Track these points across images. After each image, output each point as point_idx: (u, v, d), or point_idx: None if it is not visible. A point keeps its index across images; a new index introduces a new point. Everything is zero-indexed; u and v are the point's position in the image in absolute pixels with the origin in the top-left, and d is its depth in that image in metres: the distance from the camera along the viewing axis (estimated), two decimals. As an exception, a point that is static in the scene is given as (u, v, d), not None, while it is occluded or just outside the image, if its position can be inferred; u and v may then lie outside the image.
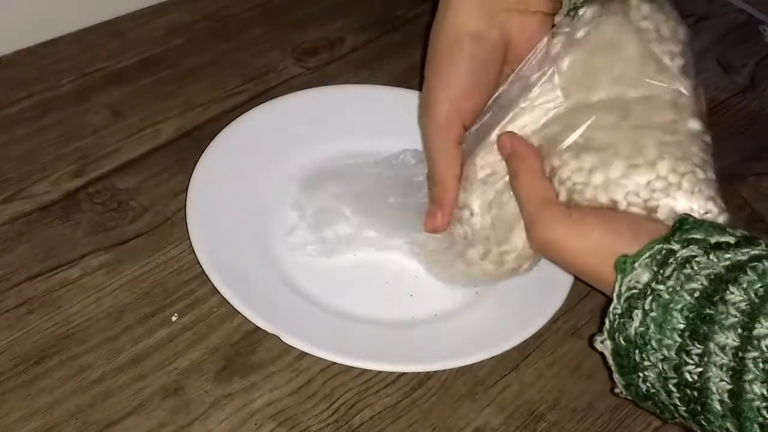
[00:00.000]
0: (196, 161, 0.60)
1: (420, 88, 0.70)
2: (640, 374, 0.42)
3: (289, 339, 0.52)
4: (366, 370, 0.54)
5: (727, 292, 0.39)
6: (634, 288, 0.42)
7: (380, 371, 0.54)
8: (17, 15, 0.69)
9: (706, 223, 0.43)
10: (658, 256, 0.42)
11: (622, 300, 0.42)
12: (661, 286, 0.41)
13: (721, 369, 0.39)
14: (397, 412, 0.53)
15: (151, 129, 0.66)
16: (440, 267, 0.57)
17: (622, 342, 0.42)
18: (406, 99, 0.68)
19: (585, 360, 0.57)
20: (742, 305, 0.39)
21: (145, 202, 0.61)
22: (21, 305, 0.54)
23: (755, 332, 0.38)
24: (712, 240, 0.42)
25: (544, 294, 0.57)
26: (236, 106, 0.68)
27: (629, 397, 0.45)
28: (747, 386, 0.38)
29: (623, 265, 0.42)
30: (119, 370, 0.52)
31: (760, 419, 0.38)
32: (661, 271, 0.41)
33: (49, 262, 0.56)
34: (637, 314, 0.42)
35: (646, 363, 0.42)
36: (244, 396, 0.52)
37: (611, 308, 0.43)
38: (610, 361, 0.44)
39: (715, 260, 0.41)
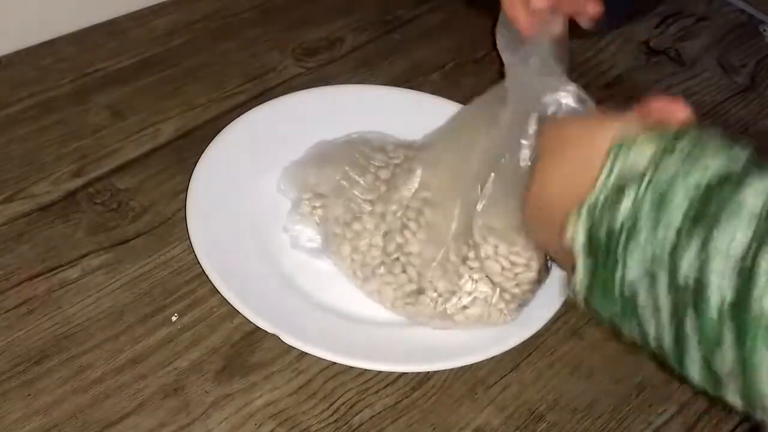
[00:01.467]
0: (196, 161, 0.60)
1: (420, 89, 0.70)
2: (619, 267, 0.37)
3: (289, 339, 0.52)
4: (366, 370, 0.54)
5: (746, 178, 0.35)
6: (632, 165, 0.37)
7: (380, 371, 0.54)
8: (17, 15, 0.69)
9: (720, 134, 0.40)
10: (665, 137, 0.38)
11: (613, 176, 0.37)
12: (667, 157, 0.36)
13: (723, 275, 0.34)
14: (397, 412, 0.53)
15: (151, 129, 0.66)
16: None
17: (604, 224, 0.37)
18: (406, 99, 0.68)
19: (585, 360, 0.57)
20: (757, 209, 0.34)
21: (145, 202, 0.61)
22: (21, 305, 0.54)
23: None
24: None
25: (544, 294, 0.57)
26: (236, 106, 0.68)
27: (582, 296, 0.39)
28: (755, 292, 0.33)
29: (619, 147, 0.38)
30: (119, 370, 0.52)
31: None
32: (669, 146, 0.37)
33: (49, 262, 0.56)
34: (630, 192, 0.36)
35: (634, 248, 0.36)
36: (244, 396, 0.52)
37: (598, 183, 0.37)
38: (580, 252, 0.38)
39: (729, 154, 0.37)
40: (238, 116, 0.64)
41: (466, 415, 0.53)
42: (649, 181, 0.36)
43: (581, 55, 0.80)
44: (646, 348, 0.39)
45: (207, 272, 0.54)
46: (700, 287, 0.35)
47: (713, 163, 0.36)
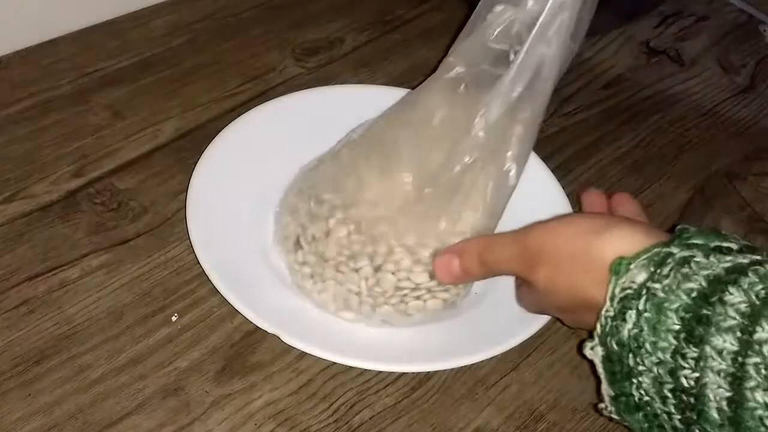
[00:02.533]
0: (196, 161, 0.60)
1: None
2: (634, 381, 0.40)
3: (289, 339, 0.52)
4: (366, 370, 0.54)
5: (726, 293, 0.37)
6: (629, 288, 0.40)
7: (380, 371, 0.54)
8: (17, 15, 0.69)
9: (708, 230, 0.42)
10: (656, 258, 0.40)
11: (615, 302, 0.40)
12: (656, 285, 0.39)
13: (719, 375, 0.37)
14: (397, 412, 0.53)
15: (151, 129, 0.66)
16: None
17: (615, 346, 0.40)
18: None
19: (585, 360, 0.57)
20: (742, 307, 0.37)
21: (145, 202, 0.61)
22: (21, 305, 0.54)
23: (756, 336, 0.36)
24: (713, 244, 0.41)
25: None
26: (236, 106, 0.68)
27: (613, 414, 0.43)
28: (748, 394, 0.36)
29: (618, 267, 0.41)
30: (119, 370, 0.52)
31: (762, 429, 0.36)
32: (658, 271, 0.40)
33: (49, 262, 0.56)
34: (631, 315, 0.40)
35: (641, 368, 0.40)
36: (244, 396, 0.52)
37: (603, 311, 0.41)
38: (600, 369, 0.42)
39: (715, 262, 0.39)
40: (238, 116, 0.64)
41: (466, 415, 0.53)
42: (648, 293, 0.39)
43: (581, 55, 0.80)
44: None
45: (207, 272, 0.54)
46: (700, 388, 0.38)
47: (704, 268, 0.39)
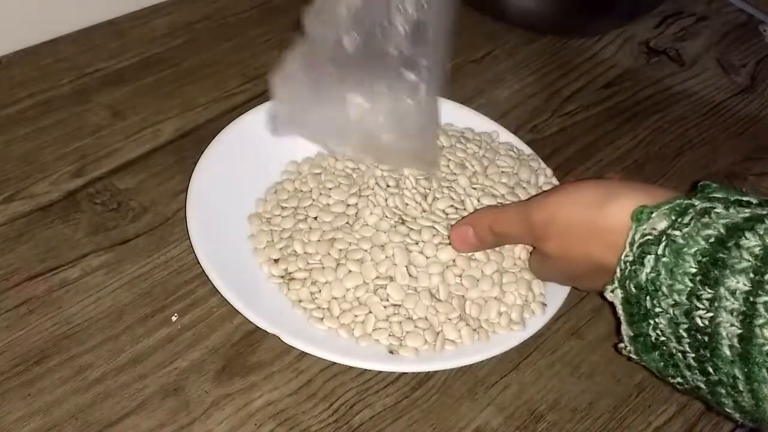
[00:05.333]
0: (196, 161, 0.60)
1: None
2: (651, 321, 0.42)
3: (289, 339, 0.52)
4: (366, 370, 0.54)
5: (743, 238, 0.39)
6: (649, 235, 0.42)
7: (380, 371, 0.54)
8: (17, 15, 0.69)
9: (729, 186, 0.44)
10: (677, 208, 0.42)
11: (634, 247, 0.42)
12: (676, 232, 0.41)
13: (732, 314, 0.38)
14: (397, 412, 0.53)
15: (151, 129, 0.66)
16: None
17: (633, 289, 0.42)
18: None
19: (585, 360, 0.57)
20: (756, 250, 0.39)
21: (145, 202, 0.61)
22: (21, 305, 0.54)
23: (767, 277, 0.38)
24: (733, 198, 0.42)
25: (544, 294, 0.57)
26: (236, 106, 0.68)
27: (632, 354, 0.44)
28: (757, 330, 0.38)
29: (640, 215, 0.42)
30: (119, 370, 0.52)
31: (742, 350, 0.38)
32: (679, 219, 0.41)
33: (49, 262, 0.56)
34: (649, 260, 0.41)
35: (657, 309, 0.41)
36: (244, 396, 0.52)
37: (622, 256, 0.42)
38: (619, 311, 0.43)
39: (735, 213, 0.41)
40: (238, 116, 0.64)
41: (466, 415, 0.53)
42: (668, 239, 0.41)
43: (581, 55, 0.80)
44: (694, 396, 0.44)
45: (207, 272, 0.54)
46: (714, 327, 0.39)
47: (723, 218, 0.41)
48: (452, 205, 0.58)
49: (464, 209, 0.58)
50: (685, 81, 0.80)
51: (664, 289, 0.41)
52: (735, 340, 0.39)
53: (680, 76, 0.80)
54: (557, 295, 0.57)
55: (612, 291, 0.43)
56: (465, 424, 0.53)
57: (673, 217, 0.41)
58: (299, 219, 0.58)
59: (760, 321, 0.38)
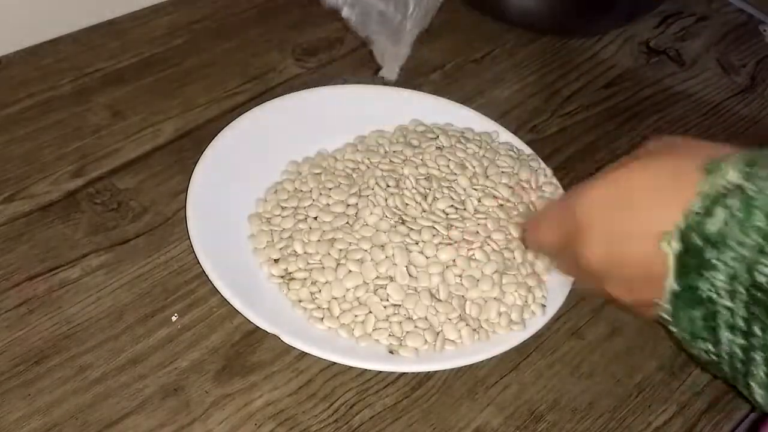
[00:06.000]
0: (196, 161, 0.60)
1: (420, 89, 0.70)
2: (707, 274, 0.40)
3: (289, 339, 0.52)
4: (366, 370, 0.54)
5: None
6: (721, 187, 0.40)
7: (380, 371, 0.54)
8: (17, 15, 0.69)
9: None
10: (749, 160, 0.40)
11: (704, 199, 0.40)
12: (748, 184, 0.39)
13: None
14: (397, 412, 0.53)
15: (151, 129, 0.66)
16: None
17: (698, 241, 0.40)
18: (406, 99, 0.68)
19: (585, 360, 0.57)
20: None
21: (145, 202, 0.61)
22: (21, 305, 0.54)
23: None
24: None
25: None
26: (236, 106, 0.68)
27: (667, 314, 0.42)
28: None
29: (710, 166, 0.40)
30: (119, 370, 0.52)
31: None
32: (750, 170, 0.39)
33: (49, 262, 0.56)
34: (720, 212, 0.39)
35: (718, 263, 0.39)
36: (244, 396, 0.52)
37: (690, 206, 0.40)
38: (672, 263, 0.41)
39: None
40: (238, 116, 0.64)
41: (466, 415, 0.53)
42: (742, 192, 0.39)
43: (581, 55, 0.80)
44: (714, 368, 0.42)
45: (207, 272, 0.54)
46: None
47: None
48: (452, 206, 0.58)
49: (464, 209, 0.58)
50: (685, 81, 0.80)
51: (731, 242, 0.39)
52: None
53: (680, 76, 0.80)
54: (557, 295, 0.57)
55: (669, 242, 0.41)
56: (465, 424, 0.53)
57: (747, 169, 0.40)
58: (299, 219, 0.58)
59: None
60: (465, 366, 0.54)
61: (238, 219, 0.59)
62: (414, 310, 0.54)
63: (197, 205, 0.57)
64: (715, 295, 0.40)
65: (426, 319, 0.54)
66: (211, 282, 0.54)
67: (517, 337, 0.55)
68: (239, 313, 0.53)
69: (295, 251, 0.56)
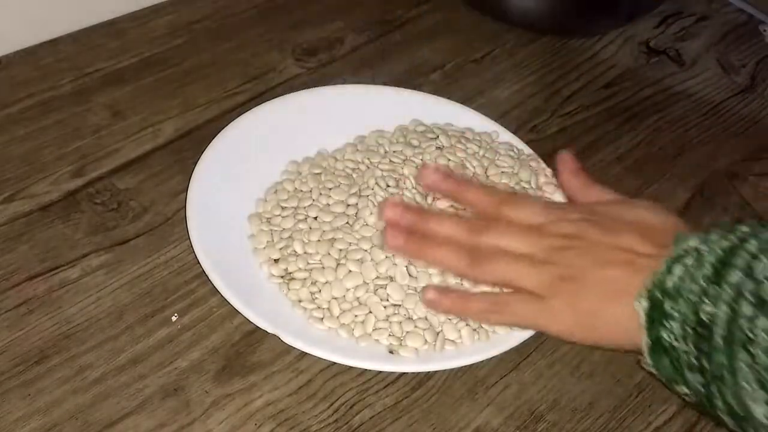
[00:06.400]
0: (196, 161, 0.60)
1: (420, 89, 0.70)
2: (667, 324, 0.44)
3: (289, 339, 0.52)
4: (366, 370, 0.54)
5: (747, 243, 0.43)
6: (681, 251, 0.45)
7: (380, 371, 0.54)
8: (17, 15, 0.69)
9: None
10: (709, 230, 0.46)
11: (667, 260, 0.45)
12: (703, 246, 0.45)
13: (725, 304, 0.42)
14: (397, 412, 0.53)
15: (151, 129, 0.66)
16: None
17: (658, 295, 0.44)
18: (406, 99, 0.68)
19: (585, 360, 0.57)
20: (754, 249, 0.43)
21: (145, 202, 0.61)
22: (21, 305, 0.54)
23: (756, 270, 0.42)
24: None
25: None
26: (236, 106, 0.68)
27: (649, 365, 0.46)
28: (739, 309, 0.41)
29: (678, 237, 0.46)
30: (119, 370, 0.52)
31: (744, 337, 0.41)
32: (707, 236, 0.45)
33: (49, 262, 0.56)
34: (677, 269, 0.44)
35: (674, 313, 0.44)
36: (244, 396, 0.52)
37: (656, 271, 0.45)
38: (642, 320, 0.45)
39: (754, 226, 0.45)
40: (238, 116, 0.64)
41: (466, 415, 0.53)
42: (697, 252, 0.45)
43: (581, 55, 0.80)
44: (700, 408, 0.46)
45: (207, 272, 0.54)
46: (713, 318, 0.42)
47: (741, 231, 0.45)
48: (452, 205, 0.58)
49: (464, 209, 0.58)
50: (685, 81, 0.80)
51: (683, 292, 0.44)
52: (725, 325, 0.42)
53: (680, 76, 0.80)
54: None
55: (639, 302, 0.45)
56: (465, 424, 0.53)
57: (704, 236, 0.45)
58: (299, 219, 0.58)
59: (744, 304, 0.41)
60: (465, 366, 0.54)
61: (238, 219, 0.59)
62: (414, 310, 0.54)
63: (197, 205, 0.57)
64: (675, 342, 0.44)
65: (426, 319, 0.54)
66: (211, 282, 0.54)
67: (517, 337, 0.55)
68: (239, 313, 0.53)
69: (295, 251, 0.56)
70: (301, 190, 0.60)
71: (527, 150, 0.65)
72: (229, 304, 0.53)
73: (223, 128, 0.63)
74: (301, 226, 0.58)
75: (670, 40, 0.84)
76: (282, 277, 0.56)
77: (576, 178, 0.56)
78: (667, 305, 0.44)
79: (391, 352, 0.53)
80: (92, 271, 0.56)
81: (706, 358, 0.42)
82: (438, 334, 0.54)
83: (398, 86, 0.70)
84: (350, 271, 0.55)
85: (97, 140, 0.64)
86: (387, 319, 0.54)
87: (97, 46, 0.71)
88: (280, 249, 0.57)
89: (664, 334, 0.44)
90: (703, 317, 0.43)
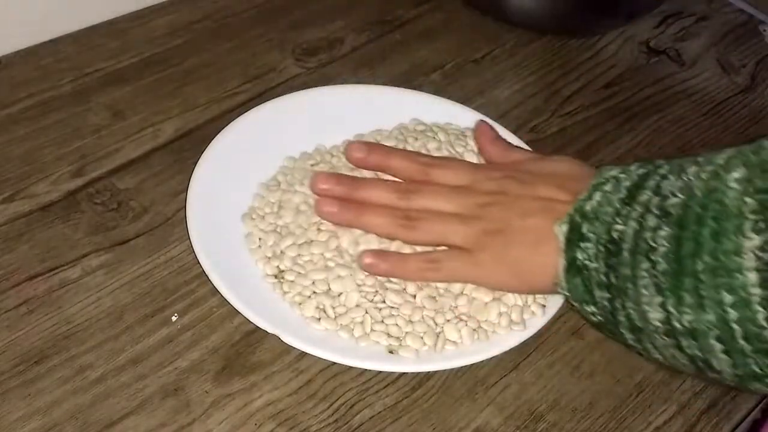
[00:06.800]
0: (196, 161, 0.60)
1: (420, 89, 0.70)
2: (581, 245, 0.47)
3: (289, 339, 0.52)
4: (366, 370, 0.54)
5: (660, 168, 0.46)
6: (602, 179, 0.48)
7: (380, 371, 0.54)
8: (17, 15, 0.69)
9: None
10: (629, 164, 0.49)
11: (588, 188, 0.48)
12: (622, 174, 0.47)
13: (634, 220, 0.44)
14: (397, 412, 0.53)
15: (151, 129, 0.66)
16: None
17: (578, 219, 0.47)
18: (406, 99, 0.68)
19: (585, 360, 0.57)
20: (664, 171, 0.45)
21: (145, 202, 0.61)
22: (21, 305, 0.54)
23: (663, 187, 0.44)
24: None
25: (543, 294, 0.57)
26: (236, 106, 0.68)
27: (562, 285, 0.49)
28: (645, 222, 0.44)
29: (602, 168, 0.49)
30: (119, 370, 0.52)
31: (646, 247, 0.43)
32: (627, 167, 0.48)
33: (49, 262, 0.56)
34: (597, 195, 0.47)
35: (590, 234, 0.47)
36: (244, 396, 0.52)
37: (578, 197, 0.48)
38: (561, 243, 0.48)
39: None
40: (238, 116, 0.64)
41: (466, 415, 0.53)
42: (616, 179, 0.48)
43: (581, 55, 0.80)
44: (604, 330, 0.49)
45: (207, 272, 0.54)
46: (621, 235, 0.45)
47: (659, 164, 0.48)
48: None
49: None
50: (685, 81, 0.80)
51: (599, 214, 0.46)
52: (632, 240, 0.44)
53: (680, 76, 0.80)
54: (557, 295, 0.57)
55: (560, 225, 0.48)
56: (465, 424, 0.53)
57: (624, 166, 0.48)
58: (290, 216, 0.58)
59: (650, 219, 0.43)
60: (465, 366, 0.54)
61: (237, 219, 0.59)
62: (413, 312, 0.54)
63: (197, 205, 0.57)
64: (587, 261, 0.47)
65: (425, 319, 0.54)
66: (211, 282, 0.54)
67: (517, 337, 0.55)
68: (239, 313, 0.53)
69: (290, 250, 0.56)
70: (293, 186, 0.60)
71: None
72: (229, 304, 0.53)
73: (223, 128, 0.63)
74: (296, 224, 0.57)
75: (670, 40, 0.84)
76: (277, 276, 0.56)
77: (495, 146, 0.59)
78: (585, 227, 0.47)
79: (390, 352, 0.53)
80: (92, 271, 0.56)
81: (614, 273, 0.45)
82: (438, 334, 0.54)
83: (398, 86, 0.70)
84: (339, 275, 0.55)
85: (97, 140, 0.64)
86: (386, 320, 0.54)
87: (97, 46, 0.71)
88: (272, 247, 0.57)
89: (579, 255, 0.47)
90: (614, 235, 0.45)
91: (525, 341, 0.55)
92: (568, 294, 0.50)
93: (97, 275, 0.56)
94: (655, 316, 0.43)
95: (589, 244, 0.47)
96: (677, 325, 0.42)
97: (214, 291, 0.54)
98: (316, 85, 0.69)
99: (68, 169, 0.62)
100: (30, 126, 0.64)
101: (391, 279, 0.55)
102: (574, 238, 0.47)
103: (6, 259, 0.56)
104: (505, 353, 0.54)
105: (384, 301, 0.54)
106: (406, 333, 0.53)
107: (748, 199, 0.39)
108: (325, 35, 0.76)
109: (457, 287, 0.55)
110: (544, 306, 0.56)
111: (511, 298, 0.55)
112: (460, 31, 0.80)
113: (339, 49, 0.75)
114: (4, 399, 0.50)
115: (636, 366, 0.57)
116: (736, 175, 0.40)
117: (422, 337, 0.53)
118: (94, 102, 0.67)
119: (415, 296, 0.55)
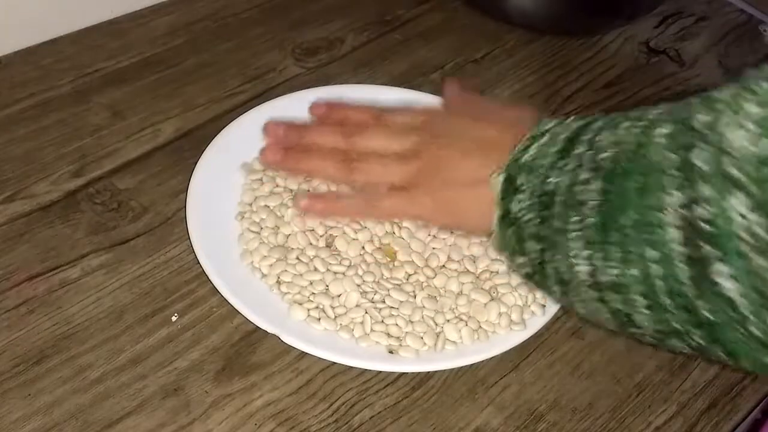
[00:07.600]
0: (196, 161, 0.60)
1: (420, 89, 0.70)
2: (516, 197, 0.46)
3: (289, 339, 0.52)
4: (366, 370, 0.54)
5: (596, 122, 0.45)
6: (538, 131, 0.47)
7: (380, 371, 0.54)
8: (17, 15, 0.69)
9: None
10: (565, 118, 0.48)
11: (525, 139, 0.47)
12: (559, 128, 0.47)
13: (567, 173, 0.43)
14: (397, 412, 0.53)
15: (151, 129, 0.66)
16: None
17: (513, 170, 0.47)
18: (406, 99, 0.68)
19: (585, 360, 0.57)
20: (600, 124, 0.44)
21: (145, 202, 0.61)
22: (21, 305, 0.54)
23: (597, 141, 0.43)
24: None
25: (543, 294, 0.57)
26: (236, 106, 0.68)
27: (497, 240, 0.48)
28: (578, 176, 0.42)
29: (541, 120, 0.48)
30: (119, 370, 0.52)
31: (577, 200, 0.42)
32: (564, 120, 0.47)
33: (49, 262, 0.56)
34: (533, 147, 0.47)
35: (524, 186, 0.46)
36: (244, 396, 0.52)
37: (514, 149, 0.47)
38: (497, 192, 0.47)
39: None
40: (238, 116, 0.64)
41: (466, 415, 0.53)
42: (552, 133, 0.47)
43: (581, 55, 0.80)
44: (531, 280, 0.48)
45: (207, 272, 0.54)
46: (555, 187, 0.44)
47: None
48: None
49: None
50: (685, 81, 0.80)
51: (534, 166, 0.46)
52: (565, 193, 0.43)
53: (680, 76, 0.80)
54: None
55: (498, 176, 0.47)
56: (465, 424, 0.53)
57: (562, 119, 0.47)
58: (280, 214, 0.58)
59: (583, 172, 0.42)
60: (465, 366, 0.54)
61: (237, 219, 0.59)
62: (413, 312, 0.54)
63: (197, 205, 0.57)
64: (520, 213, 0.46)
65: (425, 319, 0.54)
66: (211, 282, 0.54)
67: (517, 337, 0.55)
68: (239, 313, 0.53)
69: (288, 251, 0.56)
70: (290, 189, 0.60)
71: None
72: (229, 304, 0.53)
73: (223, 128, 0.63)
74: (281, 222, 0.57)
75: (670, 40, 0.84)
76: (277, 276, 0.56)
77: (459, 95, 0.59)
78: (521, 179, 0.46)
79: (390, 352, 0.53)
80: (92, 271, 0.56)
81: (547, 225, 0.44)
82: (438, 334, 0.54)
83: (398, 86, 0.70)
84: (335, 274, 0.55)
85: (97, 140, 0.64)
86: (386, 320, 0.54)
87: (97, 46, 0.71)
88: (269, 248, 0.56)
89: (513, 206, 0.46)
90: (548, 188, 0.44)
91: (525, 341, 0.55)
92: (499, 243, 0.49)
93: (97, 275, 0.56)
94: (582, 269, 0.42)
95: (523, 195, 0.46)
96: (603, 278, 0.41)
97: (214, 291, 0.54)
98: (316, 85, 0.69)
99: (68, 169, 0.62)
100: (30, 126, 0.64)
101: (390, 279, 0.55)
102: (510, 189, 0.47)
103: (6, 259, 0.56)
104: (505, 353, 0.54)
105: (384, 301, 0.54)
106: (406, 333, 0.53)
107: (672, 155, 0.38)
108: (325, 35, 0.76)
109: (456, 287, 0.55)
110: (544, 306, 0.56)
111: (511, 298, 0.55)
112: (460, 31, 0.80)
113: (339, 49, 0.75)
114: (4, 399, 0.50)
115: (636, 366, 0.57)
116: (663, 130, 0.40)
117: (422, 337, 0.53)
118: (94, 102, 0.67)
119: (415, 296, 0.55)
